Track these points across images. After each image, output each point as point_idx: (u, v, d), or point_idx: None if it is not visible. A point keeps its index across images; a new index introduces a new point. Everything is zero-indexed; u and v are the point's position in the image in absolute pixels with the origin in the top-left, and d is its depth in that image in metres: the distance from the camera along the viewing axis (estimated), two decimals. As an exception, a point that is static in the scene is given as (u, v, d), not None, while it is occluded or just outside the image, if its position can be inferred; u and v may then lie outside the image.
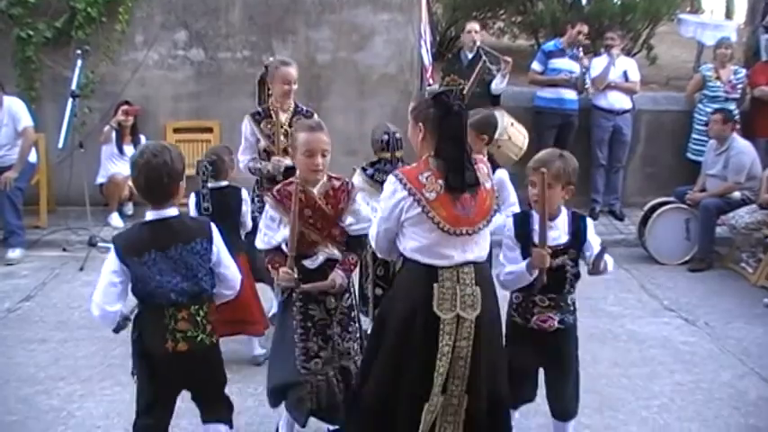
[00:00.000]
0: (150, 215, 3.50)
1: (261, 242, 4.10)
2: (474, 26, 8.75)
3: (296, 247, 3.89)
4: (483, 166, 3.58)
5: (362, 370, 3.78)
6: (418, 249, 3.49)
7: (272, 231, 4.04)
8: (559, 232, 3.91)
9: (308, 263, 4.01)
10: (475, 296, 3.49)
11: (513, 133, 7.23)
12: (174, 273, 3.46)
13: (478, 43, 8.62)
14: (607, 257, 3.87)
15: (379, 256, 4.00)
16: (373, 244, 3.74)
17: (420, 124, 3.54)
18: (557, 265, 3.81)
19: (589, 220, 4.06)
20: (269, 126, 5.56)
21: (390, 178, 3.52)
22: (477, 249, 3.56)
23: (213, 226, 3.66)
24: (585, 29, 8.92)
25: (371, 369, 3.64)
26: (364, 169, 5.25)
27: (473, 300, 3.48)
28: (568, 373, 4.11)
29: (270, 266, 4.07)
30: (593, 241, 3.97)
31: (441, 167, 3.43)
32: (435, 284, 3.45)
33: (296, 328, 4.03)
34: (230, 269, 3.72)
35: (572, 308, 4.02)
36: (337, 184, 4.11)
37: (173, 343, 3.50)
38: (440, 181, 3.41)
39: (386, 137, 5.17)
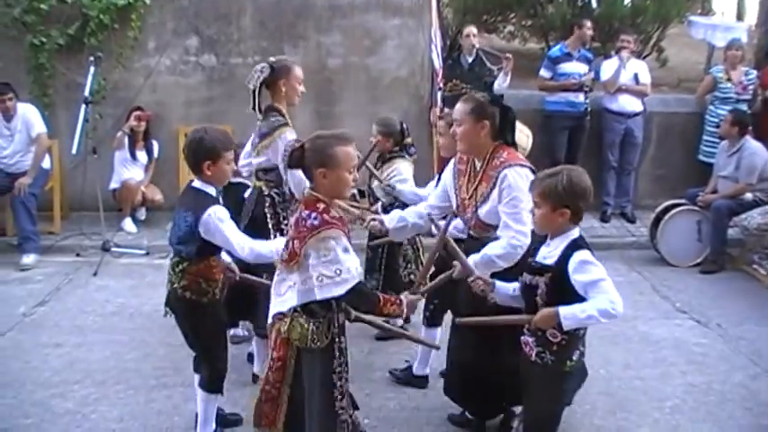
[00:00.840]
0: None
1: (354, 276, 3.40)
2: (472, 30, 8.81)
3: None
4: None
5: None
6: None
7: (354, 260, 3.46)
8: (550, 250, 3.62)
9: None
10: None
11: (516, 134, 7.22)
12: (175, 228, 4.09)
13: (477, 46, 8.70)
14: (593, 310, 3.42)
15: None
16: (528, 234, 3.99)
17: (485, 121, 4.12)
18: (531, 282, 3.63)
19: (582, 256, 3.53)
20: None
21: (525, 171, 4.08)
22: None
23: (213, 211, 3.95)
24: (589, 24, 8.92)
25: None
26: (408, 155, 5.94)
27: None
28: (529, 412, 3.88)
29: (387, 305, 3.55)
30: (583, 279, 3.51)
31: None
32: None
33: (335, 367, 3.59)
34: (227, 244, 4.02)
35: (555, 348, 3.58)
36: None
37: (167, 281, 4.19)
38: None
39: (403, 125, 5.94)
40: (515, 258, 3.97)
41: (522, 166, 4.09)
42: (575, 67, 8.80)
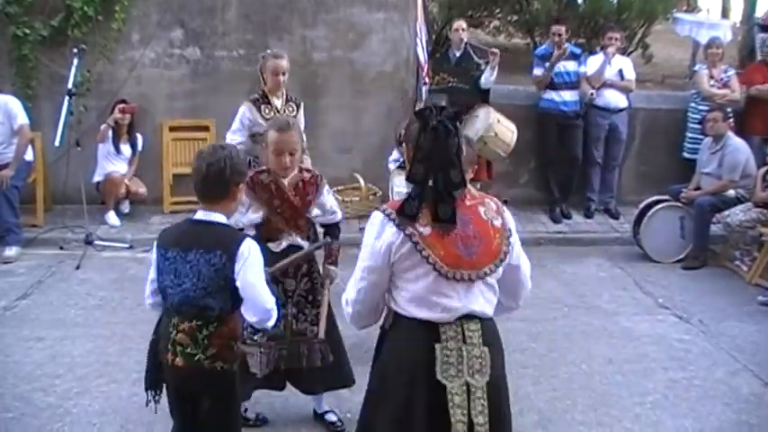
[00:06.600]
0: (197, 214, 3.37)
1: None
2: (461, 24, 8.73)
3: (265, 236, 4.24)
4: (491, 202, 3.07)
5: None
6: (411, 299, 2.98)
7: (239, 214, 4.12)
8: None
9: (272, 246, 4.25)
10: (483, 358, 2.97)
11: (501, 130, 7.23)
12: (185, 278, 3.25)
13: (465, 41, 8.63)
14: None
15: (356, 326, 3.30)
16: (350, 308, 3.13)
17: (408, 145, 3.08)
18: None
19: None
20: (267, 110, 5.99)
21: (375, 215, 3.04)
22: (483, 301, 3.01)
23: (250, 244, 3.31)
24: (562, 29, 8.85)
25: None
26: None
27: (482, 363, 2.97)
28: None
29: None
30: None
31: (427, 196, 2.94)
32: (437, 345, 2.94)
33: None
34: (257, 295, 3.29)
35: None
36: (307, 176, 4.34)
37: (172, 355, 3.30)
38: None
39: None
40: None
41: (387, 216, 3.01)
42: (562, 65, 8.78)
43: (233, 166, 3.28)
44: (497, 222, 3.00)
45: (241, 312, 3.36)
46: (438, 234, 2.89)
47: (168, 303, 3.34)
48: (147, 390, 3.53)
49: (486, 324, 3.00)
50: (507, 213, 3.09)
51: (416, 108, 3.59)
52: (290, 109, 6.13)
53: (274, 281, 4.05)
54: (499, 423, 2.98)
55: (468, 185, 3.05)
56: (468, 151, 3.54)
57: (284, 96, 6.17)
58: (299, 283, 4.37)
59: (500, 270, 3.01)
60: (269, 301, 3.33)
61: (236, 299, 3.30)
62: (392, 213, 2.93)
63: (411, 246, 2.88)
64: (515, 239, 3.07)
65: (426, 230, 2.89)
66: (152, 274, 3.39)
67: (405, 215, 2.90)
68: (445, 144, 2.89)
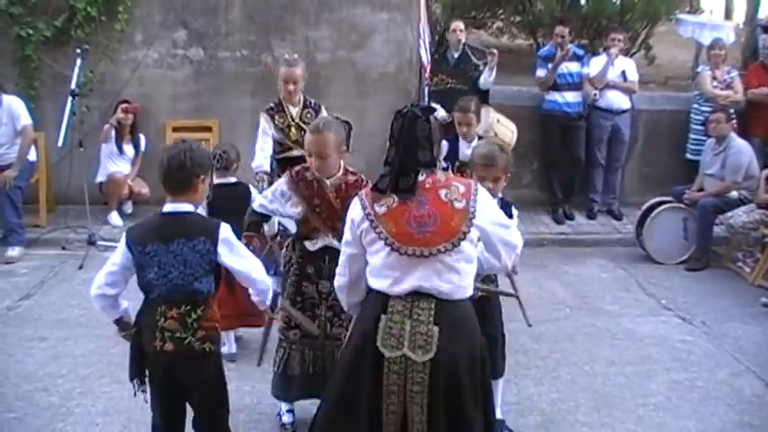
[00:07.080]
0: (165, 207, 3.53)
1: (258, 204, 4.41)
2: (458, 25, 8.74)
3: (304, 233, 4.34)
4: (459, 186, 3.21)
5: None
6: (372, 272, 3.22)
7: (277, 203, 4.31)
8: None
9: (308, 244, 4.31)
10: (430, 336, 3.06)
11: (500, 130, 7.19)
12: (171, 267, 3.39)
13: (463, 41, 8.64)
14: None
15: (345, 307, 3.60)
16: (335, 281, 3.50)
17: None
18: None
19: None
20: (281, 120, 6.04)
21: (355, 199, 3.34)
22: (438, 280, 3.12)
23: (226, 228, 3.49)
24: (566, 30, 8.80)
25: (322, 403, 3.42)
26: None
27: (426, 341, 3.06)
28: None
29: (245, 237, 4.29)
30: None
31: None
32: (383, 316, 3.12)
33: (285, 298, 4.35)
34: (249, 270, 3.57)
35: None
36: (352, 179, 4.28)
37: (161, 342, 3.42)
38: (393, 195, 3.17)
39: None
40: None
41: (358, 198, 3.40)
42: (565, 66, 8.76)
43: (193, 159, 3.46)
44: (459, 204, 3.15)
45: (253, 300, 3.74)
46: (391, 213, 3.13)
47: (154, 295, 3.46)
48: (131, 380, 3.61)
49: (445, 305, 3.12)
50: (480, 197, 3.21)
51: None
52: (309, 115, 6.05)
53: (309, 279, 4.31)
54: (438, 399, 3.07)
55: (438, 171, 3.26)
56: (504, 158, 4.06)
57: (302, 103, 6.13)
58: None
59: (463, 250, 3.13)
60: (262, 274, 3.65)
61: (217, 281, 3.52)
62: (362, 194, 3.26)
63: (368, 223, 3.15)
64: (495, 217, 3.26)
65: (382, 210, 3.15)
66: (111, 267, 3.54)
67: (378, 190, 3.18)
68: (412, 127, 3.15)
